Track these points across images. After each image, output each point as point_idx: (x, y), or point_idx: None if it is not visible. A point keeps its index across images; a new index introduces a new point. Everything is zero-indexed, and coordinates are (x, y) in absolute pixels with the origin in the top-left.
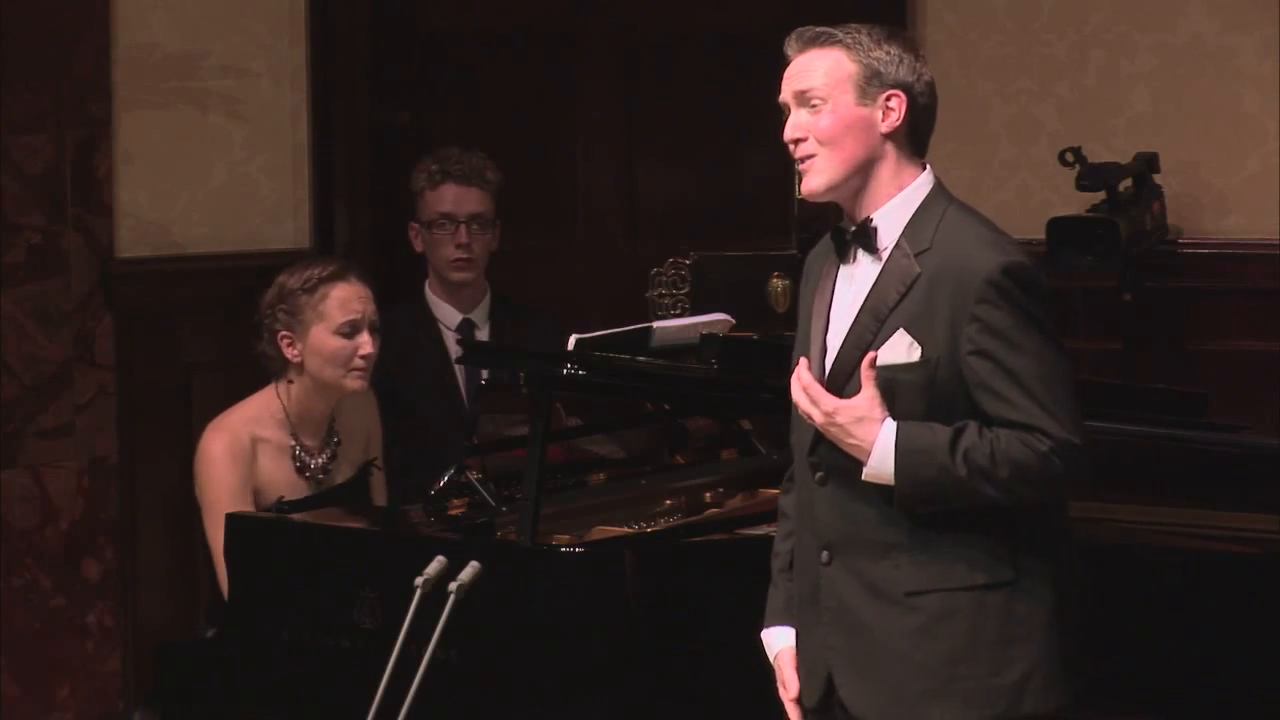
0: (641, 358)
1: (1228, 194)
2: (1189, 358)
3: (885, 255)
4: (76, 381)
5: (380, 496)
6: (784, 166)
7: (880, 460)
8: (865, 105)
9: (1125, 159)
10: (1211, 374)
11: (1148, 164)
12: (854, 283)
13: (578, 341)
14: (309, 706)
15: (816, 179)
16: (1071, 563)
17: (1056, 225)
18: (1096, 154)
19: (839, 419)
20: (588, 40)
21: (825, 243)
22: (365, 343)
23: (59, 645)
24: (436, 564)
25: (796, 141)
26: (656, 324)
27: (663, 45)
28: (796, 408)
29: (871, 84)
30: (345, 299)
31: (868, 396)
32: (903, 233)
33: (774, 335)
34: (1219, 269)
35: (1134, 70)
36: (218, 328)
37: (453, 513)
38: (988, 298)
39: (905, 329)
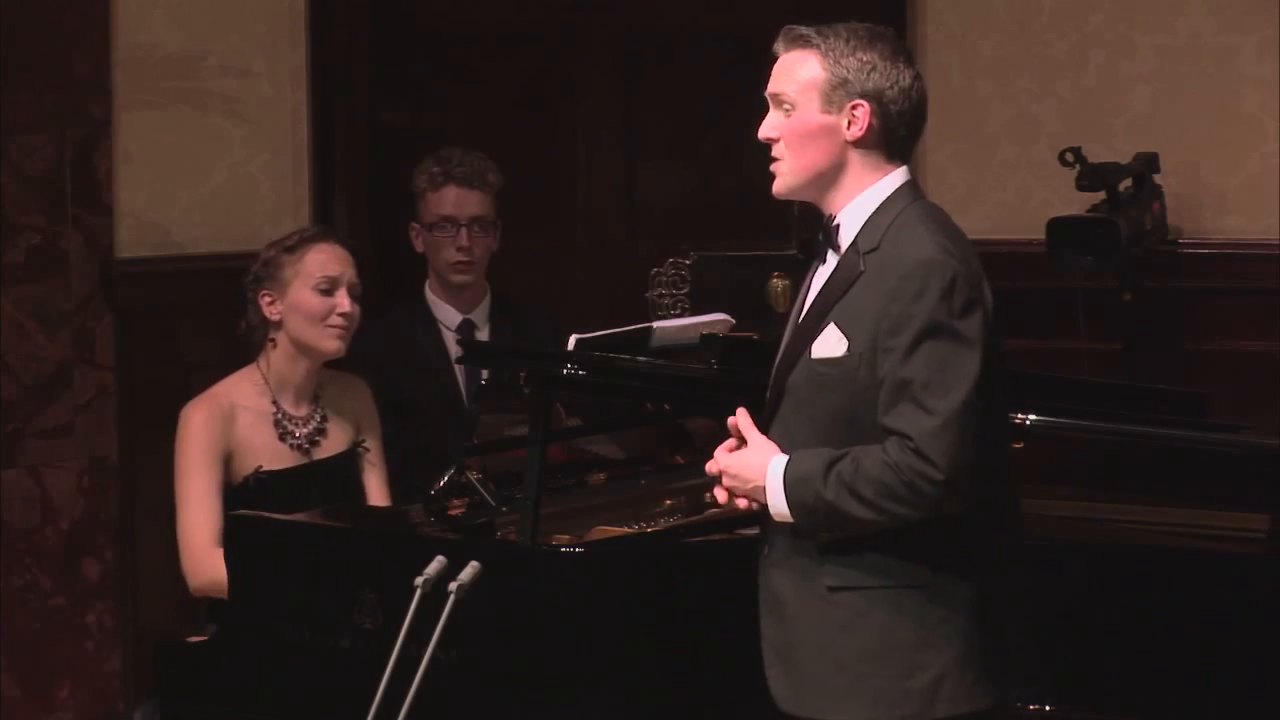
0: (641, 358)
1: (1228, 194)
2: (1189, 358)
3: (842, 253)
4: (76, 381)
5: (374, 477)
6: None
7: (774, 495)
8: (830, 113)
9: (1125, 159)
10: (1211, 374)
11: (1148, 164)
12: (818, 282)
13: (578, 341)
14: (309, 706)
15: (779, 182)
16: (1001, 564)
17: (1056, 225)
18: (1096, 154)
19: (732, 468)
20: (588, 40)
21: None
22: (343, 301)
23: (59, 645)
24: (436, 564)
25: (769, 140)
26: (656, 324)
27: (663, 45)
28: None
29: (837, 92)
30: (324, 259)
31: (753, 440)
32: (859, 232)
33: (774, 335)
34: (1219, 269)
35: (1134, 70)
36: (218, 328)
37: (453, 513)
38: (900, 295)
39: (835, 324)
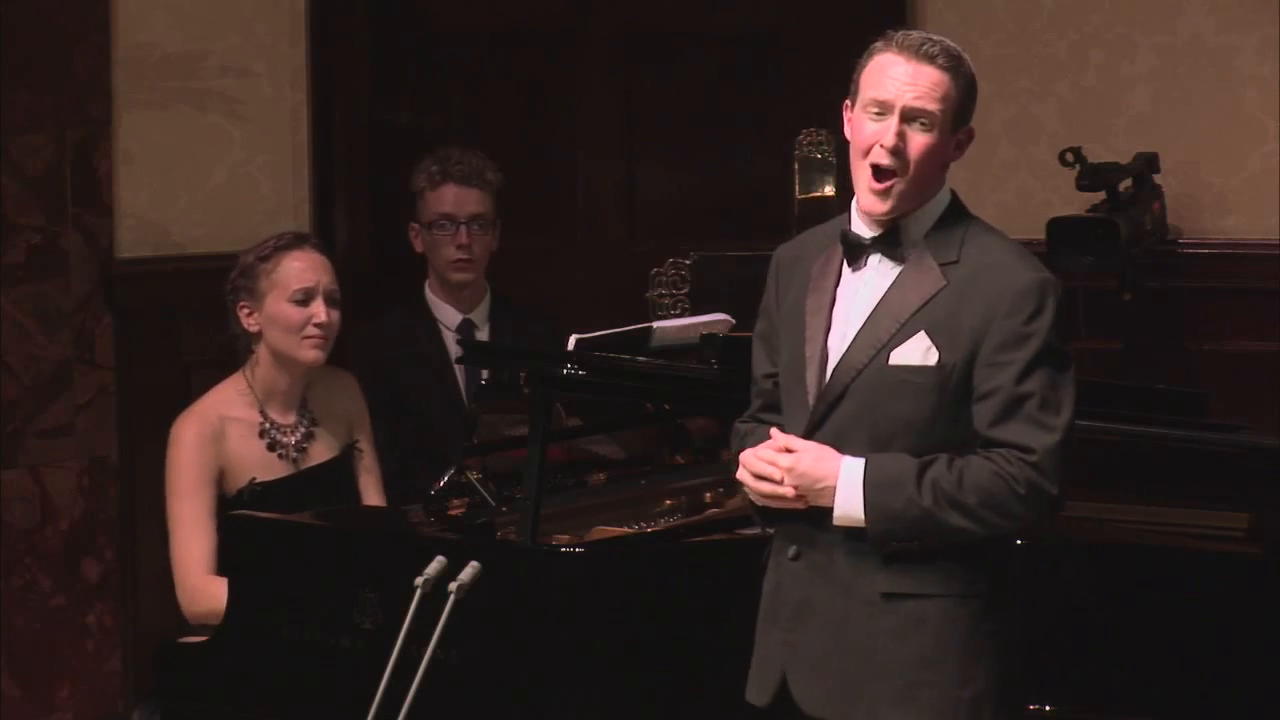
0: (641, 358)
1: (1228, 194)
2: (1189, 358)
3: (905, 261)
4: (76, 381)
5: (368, 480)
6: (784, 166)
7: (847, 497)
8: (952, 137)
9: (1125, 159)
10: (1211, 374)
11: (1148, 164)
12: (865, 287)
13: (578, 341)
14: (309, 706)
15: (894, 204)
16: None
17: (1056, 225)
18: (1096, 154)
19: (800, 466)
20: (588, 40)
21: (801, 242)
22: (319, 311)
23: (59, 645)
24: (436, 564)
25: (895, 148)
26: (656, 324)
27: (663, 45)
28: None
29: (960, 118)
30: (300, 268)
31: (807, 445)
32: (926, 240)
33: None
34: (1219, 269)
35: (1134, 70)
36: (218, 328)
37: (453, 513)
38: (1017, 311)
39: (927, 333)
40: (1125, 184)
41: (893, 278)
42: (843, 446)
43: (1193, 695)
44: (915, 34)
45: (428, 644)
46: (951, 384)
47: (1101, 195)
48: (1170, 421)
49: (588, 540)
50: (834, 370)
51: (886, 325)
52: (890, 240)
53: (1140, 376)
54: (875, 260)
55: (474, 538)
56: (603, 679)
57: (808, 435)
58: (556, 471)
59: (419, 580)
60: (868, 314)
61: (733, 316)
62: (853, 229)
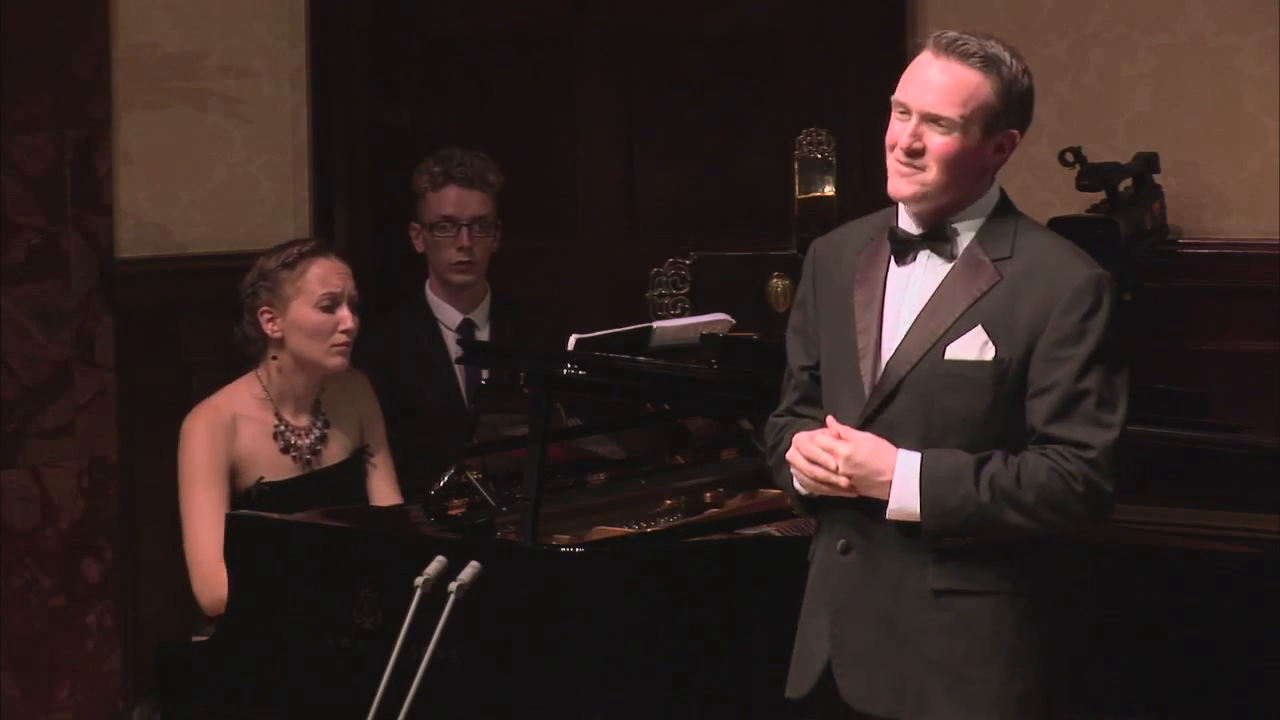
0: (641, 358)
1: (1228, 194)
2: (1189, 358)
3: (955, 257)
4: (76, 381)
5: (380, 482)
6: (784, 166)
7: (903, 490)
8: (987, 139)
9: (1125, 159)
10: (1211, 374)
11: (1148, 164)
12: (914, 282)
13: (578, 341)
14: (309, 706)
15: (916, 193)
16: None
17: (1056, 225)
18: (1096, 154)
19: (857, 456)
20: (588, 40)
21: (840, 235)
22: (345, 317)
23: (59, 645)
24: (436, 564)
25: (910, 150)
26: (656, 324)
27: (663, 45)
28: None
29: (1000, 121)
30: (325, 274)
31: (861, 436)
32: (976, 237)
33: (774, 335)
34: (1219, 269)
35: (1134, 70)
36: (218, 328)
37: (453, 513)
38: (1075, 307)
39: (983, 327)
40: (1125, 184)
41: (942, 274)
42: (896, 439)
43: (1193, 696)
44: (953, 33)
45: (428, 644)
46: (1007, 379)
47: (1101, 195)
48: (1170, 421)
49: (588, 540)
50: (889, 363)
51: (942, 319)
52: (938, 236)
53: (1140, 376)
54: (924, 256)
55: (474, 538)
56: (603, 679)
57: (861, 427)
58: (556, 471)
59: (419, 580)
60: (919, 308)
61: (733, 316)
62: (900, 225)
